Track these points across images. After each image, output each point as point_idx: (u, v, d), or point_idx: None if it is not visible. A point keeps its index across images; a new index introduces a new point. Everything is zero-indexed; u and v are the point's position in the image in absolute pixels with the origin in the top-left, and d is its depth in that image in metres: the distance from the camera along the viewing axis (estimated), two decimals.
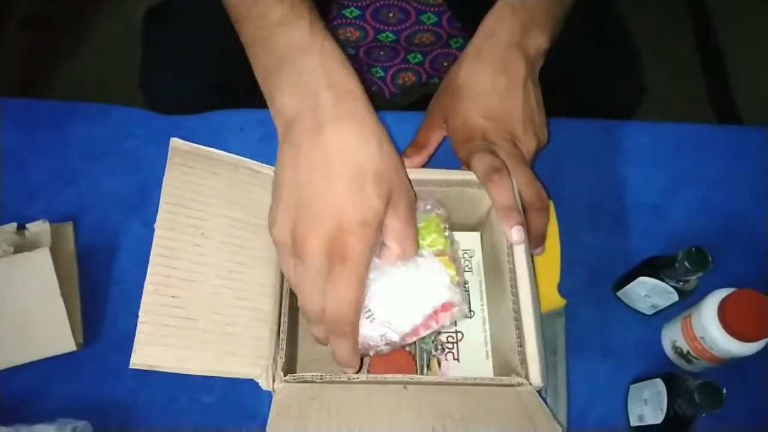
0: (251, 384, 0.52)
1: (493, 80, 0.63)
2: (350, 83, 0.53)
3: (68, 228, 0.70)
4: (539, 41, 0.64)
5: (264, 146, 0.75)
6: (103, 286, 0.69)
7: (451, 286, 0.54)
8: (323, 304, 0.49)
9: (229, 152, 0.59)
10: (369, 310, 0.52)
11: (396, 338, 0.53)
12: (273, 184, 0.53)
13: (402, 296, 0.53)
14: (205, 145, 0.59)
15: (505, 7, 0.64)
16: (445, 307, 0.54)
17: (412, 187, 0.54)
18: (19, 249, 0.64)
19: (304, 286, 0.50)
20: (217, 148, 0.59)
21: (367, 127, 0.51)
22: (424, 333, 0.55)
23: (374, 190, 0.49)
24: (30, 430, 0.58)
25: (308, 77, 0.52)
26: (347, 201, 0.48)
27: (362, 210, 0.48)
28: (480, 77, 0.64)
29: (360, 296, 0.49)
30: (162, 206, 0.52)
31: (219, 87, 0.80)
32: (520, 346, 0.54)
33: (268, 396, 0.52)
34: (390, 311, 0.53)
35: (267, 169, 0.59)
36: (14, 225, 0.66)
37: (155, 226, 0.52)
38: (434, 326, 0.54)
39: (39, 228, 0.67)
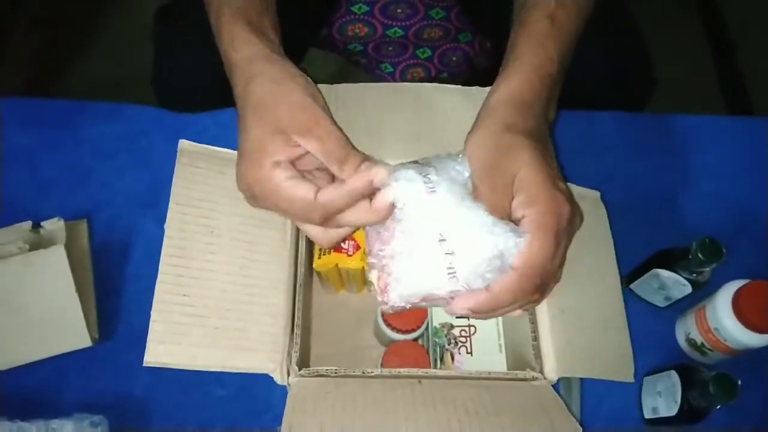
0: (264, 378, 0.52)
1: (536, 144, 0.53)
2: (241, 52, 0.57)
3: (82, 225, 0.70)
4: (553, 116, 0.60)
5: None
6: (118, 283, 0.69)
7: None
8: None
9: None
10: (452, 268, 0.49)
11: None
12: None
13: (481, 252, 0.48)
14: (216, 142, 0.59)
15: (533, 76, 0.56)
16: None
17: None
18: (34, 247, 0.65)
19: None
20: (229, 146, 0.59)
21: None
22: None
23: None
24: (47, 425, 0.58)
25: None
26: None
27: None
28: (525, 135, 0.54)
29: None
30: (171, 206, 0.53)
31: (230, 84, 0.80)
32: (535, 340, 0.55)
33: (281, 390, 0.52)
34: (471, 270, 0.49)
35: None
36: (29, 223, 0.67)
37: (165, 226, 0.52)
38: None
39: (54, 226, 0.67)
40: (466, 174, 0.52)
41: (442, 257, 0.49)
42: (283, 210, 0.51)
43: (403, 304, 0.50)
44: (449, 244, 0.49)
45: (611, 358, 0.56)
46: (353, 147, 0.52)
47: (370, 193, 0.49)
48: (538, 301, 0.51)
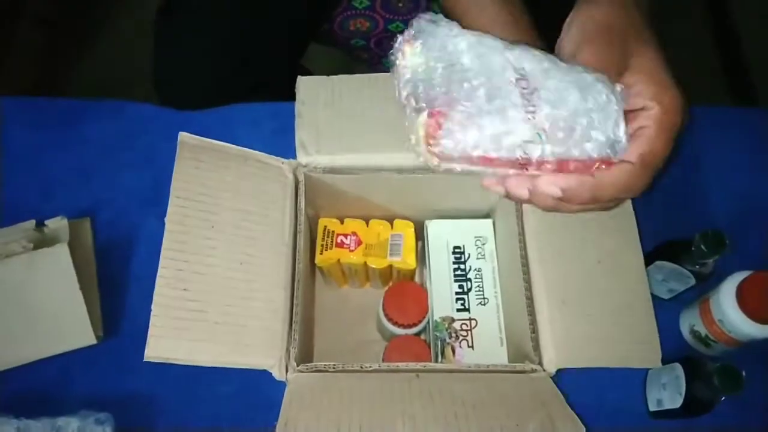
0: (268, 375, 0.52)
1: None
2: None
3: (86, 224, 0.71)
4: None
5: (277, 139, 0.74)
6: (122, 281, 0.70)
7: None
8: None
9: (242, 146, 0.60)
10: (531, 109, 0.40)
11: (549, 155, 0.40)
12: None
13: (568, 101, 0.40)
14: (218, 139, 0.59)
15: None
16: (607, 163, 0.41)
17: None
18: (38, 245, 0.66)
19: None
20: (230, 142, 0.59)
21: None
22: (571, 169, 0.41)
23: None
24: (53, 423, 0.59)
25: None
26: None
27: None
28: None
29: None
30: (172, 200, 0.53)
31: (231, 81, 0.81)
32: (533, 332, 0.54)
33: (285, 386, 0.52)
34: (555, 117, 0.40)
35: (275, 161, 0.60)
36: (33, 222, 0.68)
37: (165, 220, 0.52)
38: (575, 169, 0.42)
39: (57, 224, 0.68)
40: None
41: (517, 95, 0.40)
42: None
43: (456, 155, 0.39)
44: (529, 83, 0.40)
45: (626, 345, 0.55)
46: None
47: None
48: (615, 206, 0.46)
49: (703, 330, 0.65)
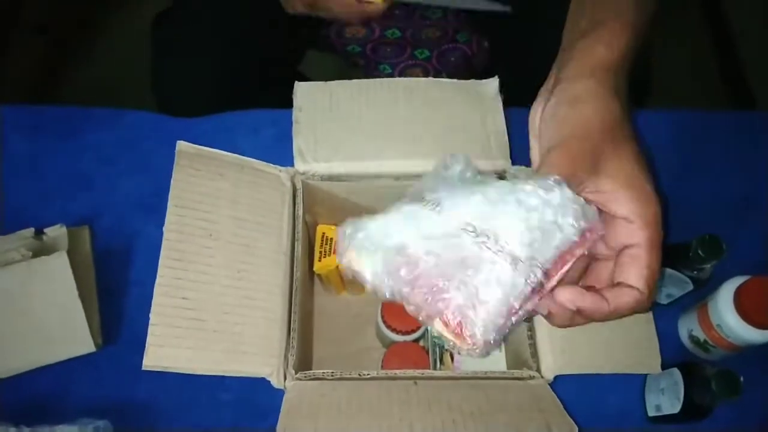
0: (267, 382, 0.52)
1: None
2: None
3: (85, 231, 0.71)
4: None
5: (277, 146, 0.74)
6: (121, 288, 0.70)
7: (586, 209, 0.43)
8: None
9: (242, 153, 0.60)
10: (512, 256, 0.41)
11: (540, 276, 0.41)
12: None
13: (536, 227, 0.41)
14: (216, 147, 0.59)
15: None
16: (588, 234, 0.43)
17: None
18: (37, 253, 0.66)
19: None
20: (229, 150, 0.60)
21: None
22: (569, 262, 0.43)
23: None
24: (52, 431, 0.59)
25: None
26: None
27: None
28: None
29: None
30: (170, 209, 0.53)
31: (230, 87, 0.81)
32: (531, 339, 0.54)
33: (283, 394, 0.52)
34: (527, 246, 0.41)
35: (272, 169, 0.60)
36: (32, 230, 0.68)
37: (164, 228, 0.52)
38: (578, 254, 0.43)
39: (56, 232, 0.68)
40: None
41: (485, 252, 0.41)
42: None
43: (492, 336, 0.41)
44: (484, 233, 0.41)
45: (624, 351, 0.55)
46: None
47: None
48: None
49: (701, 335, 0.65)
